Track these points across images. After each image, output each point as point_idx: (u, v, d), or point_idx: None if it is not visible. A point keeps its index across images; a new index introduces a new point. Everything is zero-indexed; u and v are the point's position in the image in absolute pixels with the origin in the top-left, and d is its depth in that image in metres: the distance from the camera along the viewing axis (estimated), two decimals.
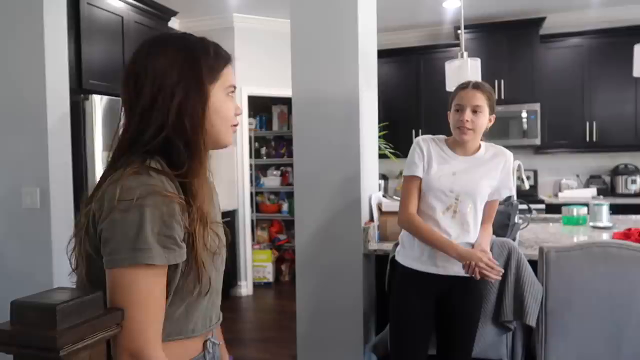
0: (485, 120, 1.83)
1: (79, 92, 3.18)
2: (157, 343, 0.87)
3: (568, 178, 5.04)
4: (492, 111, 1.85)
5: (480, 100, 1.80)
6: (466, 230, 1.83)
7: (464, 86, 1.85)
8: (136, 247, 0.83)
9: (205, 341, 1.03)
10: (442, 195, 1.81)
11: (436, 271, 1.83)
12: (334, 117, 2.43)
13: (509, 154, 1.93)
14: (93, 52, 3.28)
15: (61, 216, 2.98)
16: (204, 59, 0.96)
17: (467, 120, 1.78)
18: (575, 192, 4.68)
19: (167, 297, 0.90)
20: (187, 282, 0.92)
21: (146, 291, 0.85)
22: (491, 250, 1.97)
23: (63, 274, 2.95)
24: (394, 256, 1.97)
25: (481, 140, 1.91)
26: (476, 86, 1.83)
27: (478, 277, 1.72)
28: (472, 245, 1.82)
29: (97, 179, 2.67)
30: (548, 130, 4.84)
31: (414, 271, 1.85)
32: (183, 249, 0.89)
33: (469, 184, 1.82)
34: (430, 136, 1.93)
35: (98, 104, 3.19)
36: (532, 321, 1.90)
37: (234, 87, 1.02)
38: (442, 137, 1.94)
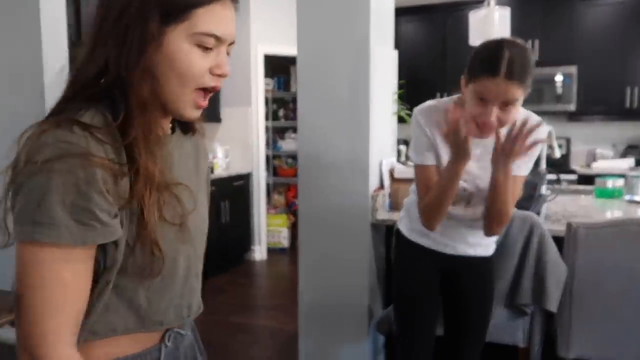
0: (516, 111, 1.35)
1: (79, 45, 3.03)
2: (58, 340, 0.69)
3: (603, 147, 4.71)
4: (528, 90, 1.34)
5: (514, 93, 1.28)
6: (480, 221, 1.52)
7: (493, 72, 1.28)
8: (36, 220, 0.66)
9: (165, 331, 0.86)
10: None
11: (444, 250, 1.60)
12: (342, 74, 2.23)
13: (543, 128, 1.40)
14: (93, 3, 3.12)
15: None
16: None
17: (492, 120, 1.31)
18: (611, 163, 4.38)
19: (108, 282, 0.74)
20: (140, 262, 0.75)
21: (49, 274, 0.68)
22: (511, 224, 1.76)
23: None
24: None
25: None
26: (510, 75, 1.27)
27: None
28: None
29: None
30: (584, 96, 4.50)
31: (419, 245, 1.63)
32: (111, 226, 0.70)
33: (484, 178, 1.43)
34: (432, 104, 1.50)
35: None
36: (553, 306, 1.70)
37: (217, 38, 0.76)
38: (448, 102, 1.48)
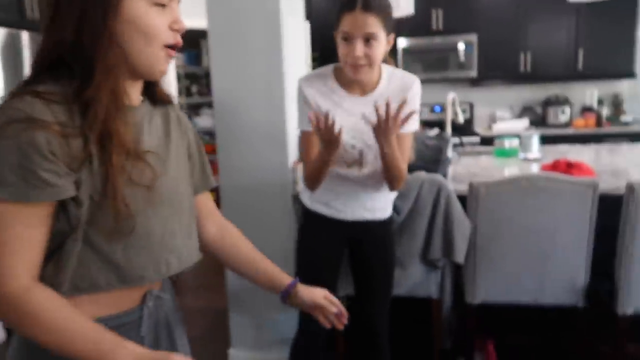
0: (382, 47, 1.46)
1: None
2: (12, 276, 0.76)
3: (502, 110, 5.08)
4: (390, 31, 1.48)
5: (374, 26, 1.41)
6: (377, 181, 1.61)
7: (350, 6, 1.43)
8: None
9: (146, 293, 0.91)
10: (343, 152, 1.54)
11: (345, 217, 1.67)
12: (254, 47, 2.22)
13: (416, 83, 1.58)
14: None
15: None
16: None
17: (358, 56, 1.42)
18: (509, 124, 4.74)
19: (75, 239, 0.80)
20: (104, 220, 0.80)
21: (3, 228, 0.75)
22: (421, 187, 1.89)
23: None
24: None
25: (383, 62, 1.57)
26: (367, 6, 1.40)
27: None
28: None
29: None
30: (484, 62, 4.79)
31: (321, 215, 1.68)
32: (56, 186, 0.75)
33: (371, 135, 1.48)
34: (315, 73, 1.59)
35: None
36: (460, 258, 1.87)
37: None
38: (329, 69, 1.58)
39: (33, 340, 0.77)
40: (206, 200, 1.10)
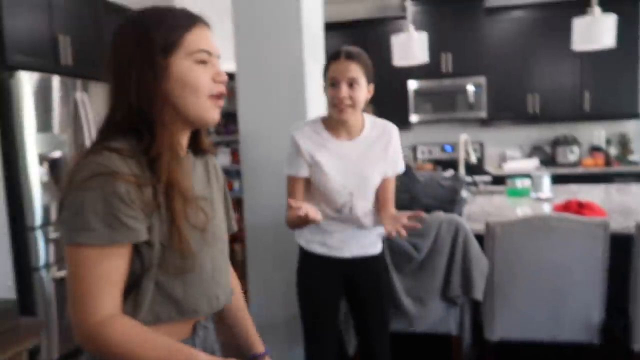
0: (363, 93, 1.65)
1: (3, 68, 2.93)
2: (98, 315, 0.85)
3: (512, 150, 5.20)
4: (369, 80, 1.68)
5: (356, 71, 1.62)
6: (363, 220, 1.75)
7: (335, 57, 1.65)
8: (75, 227, 0.84)
9: (195, 324, 1.01)
10: (335, 194, 1.70)
11: (341, 254, 1.77)
12: (280, 93, 2.37)
13: (395, 129, 1.78)
14: (17, 24, 3.02)
15: None
16: (156, 30, 0.91)
17: (344, 97, 1.61)
18: (519, 163, 4.84)
19: (150, 281, 0.90)
20: (173, 259, 0.91)
21: (87, 269, 0.85)
22: (440, 227, 1.99)
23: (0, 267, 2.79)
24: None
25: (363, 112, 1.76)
26: (349, 56, 1.63)
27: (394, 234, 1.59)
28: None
29: (29, 162, 2.52)
30: (493, 103, 4.94)
31: (318, 255, 1.78)
32: (134, 230, 0.86)
33: (360, 176, 1.68)
34: (306, 124, 1.77)
35: (27, 81, 2.95)
36: (479, 295, 1.94)
37: (207, 52, 0.94)
38: (318, 119, 1.76)
39: None
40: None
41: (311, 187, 1.74)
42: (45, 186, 3.00)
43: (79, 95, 3.34)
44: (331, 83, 1.65)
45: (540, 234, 1.93)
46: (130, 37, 0.92)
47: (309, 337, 1.85)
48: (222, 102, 0.96)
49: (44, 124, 3.05)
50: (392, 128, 1.78)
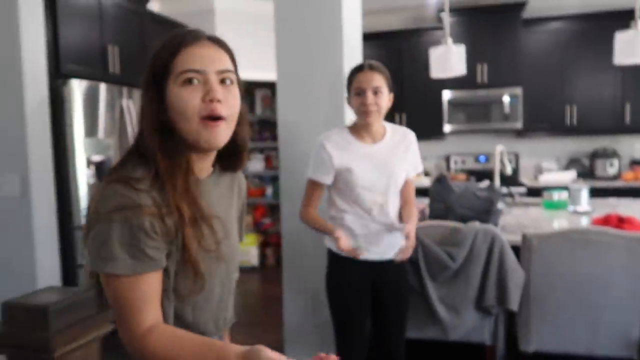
0: (386, 100, 1.83)
1: (57, 76, 3.10)
2: (139, 330, 0.89)
3: (549, 161, 5.13)
4: (390, 90, 1.85)
5: (379, 81, 1.80)
6: (392, 220, 1.87)
7: (360, 69, 1.84)
8: (101, 256, 0.87)
9: None
10: (367, 193, 1.82)
11: (370, 257, 1.85)
12: (319, 102, 2.43)
13: (412, 134, 1.96)
14: (71, 35, 3.19)
15: (43, 204, 2.94)
16: (157, 56, 0.92)
17: (370, 103, 1.78)
18: (555, 175, 4.77)
19: (163, 298, 0.92)
20: (185, 282, 0.93)
21: (119, 295, 0.89)
22: (475, 237, 2.01)
23: (46, 265, 2.94)
24: None
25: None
26: (372, 67, 1.82)
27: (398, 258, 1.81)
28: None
29: (80, 165, 2.62)
30: (529, 114, 4.90)
31: (347, 258, 1.86)
32: (156, 261, 0.89)
33: (388, 176, 1.83)
34: (333, 132, 1.90)
35: (77, 88, 3.12)
36: (514, 306, 1.95)
37: (193, 71, 0.89)
38: (344, 127, 1.92)
39: None
40: None
41: (341, 192, 1.84)
42: (91, 188, 3.15)
43: (125, 102, 3.49)
44: (357, 92, 1.82)
45: (579, 247, 1.92)
46: (147, 64, 0.95)
47: (340, 338, 1.94)
48: (213, 123, 0.90)
49: (91, 129, 3.21)
50: (410, 133, 1.96)
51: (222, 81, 0.92)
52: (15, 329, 0.68)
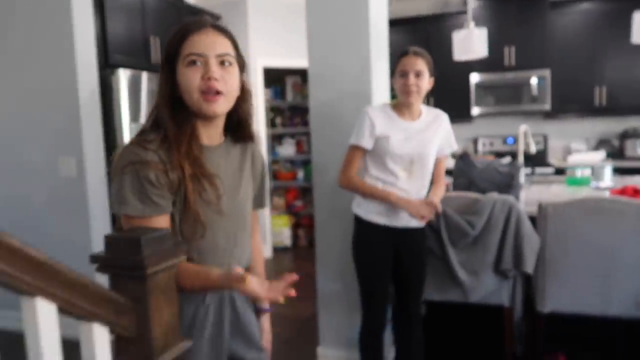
0: (426, 83, 2.02)
1: (106, 66, 3.36)
2: None
3: (577, 142, 5.15)
4: (431, 74, 2.04)
5: (421, 65, 1.99)
6: (422, 186, 2.07)
7: (405, 53, 2.03)
8: (118, 201, 1.07)
9: None
10: (399, 159, 2.02)
11: (396, 224, 2.06)
12: (347, 88, 2.58)
13: (445, 115, 2.16)
14: (117, 28, 3.45)
15: (96, 184, 3.22)
16: (170, 41, 1.12)
17: (412, 84, 1.98)
18: (584, 156, 4.79)
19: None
20: (186, 227, 1.12)
21: None
22: (494, 206, 2.16)
23: (99, 238, 3.22)
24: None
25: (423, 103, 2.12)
26: (416, 53, 2.02)
27: (421, 221, 2.01)
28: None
29: None
30: (558, 96, 4.92)
31: (375, 224, 2.07)
32: (161, 206, 1.08)
33: (420, 146, 2.04)
34: (377, 105, 2.13)
35: (123, 77, 3.38)
36: (529, 268, 2.09)
37: (195, 54, 1.09)
38: (386, 104, 2.13)
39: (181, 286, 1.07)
40: (256, 217, 1.43)
41: (376, 160, 2.05)
42: None
43: None
44: (401, 74, 2.01)
45: (592, 215, 2.04)
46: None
47: (365, 299, 2.15)
48: (213, 97, 1.11)
49: (134, 115, 3.47)
50: (443, 114, 2.16)
51: (222, 63, 1.12)
52: (116, 255, 0.89)
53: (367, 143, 2.04)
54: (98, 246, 3.17)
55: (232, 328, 1.27)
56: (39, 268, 0.73)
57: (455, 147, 2.17)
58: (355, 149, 2.07)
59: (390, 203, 2.00)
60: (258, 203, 1.38)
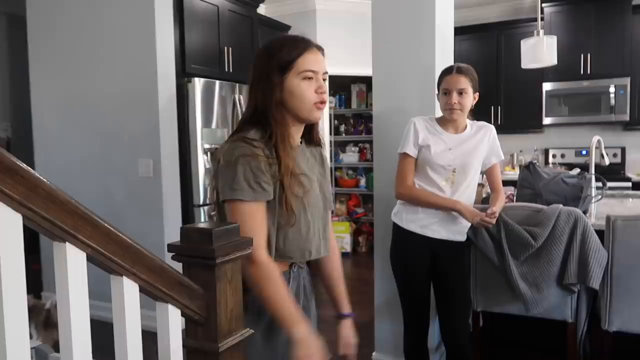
0: (470, 99, 2.07)
1: (183, 75, 3.60)
2: (261, 248, 1.22)
3: None
4: (475, 90, 2.09)
5: (464, 83, 2.04)
6: (467, 197, 2.11)
7: (448, 71, 2.09)
8: (232, 188, 1.21)
9: (291, 264, 1.35)
10: (442, 170, 2.08)
11: (432, 234, 2.11)
12: (411, 96, 2.60)
13: (491, 126, 2.19)
14: (194, 39, 3.68)
15: (170, 184, 3.46)
16: (276, 55, 1.26)
17: (454, 103, 2.03)
18: None
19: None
20: (281, 216, 1.27)
21: (245, 216, 1.20)
22: (558, 217, 2.10)
23: (172, 234, 3.44)
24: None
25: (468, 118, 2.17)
26: (459, 71, 2.07)
27: (480, 226, 2.07)
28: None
29: (199, 152, 3.32)
30: (638, 106, 4.66)
31: (414, 233, 2.12)
32: (267, 192, 1.22)
33: (462, 158, 2.09)
34: (423, 117, 2.20)
35: (198, 85, 3.60)
36: (595, 284, 2.01)
37: (311, 71, 1.26)
38: (433, 117, 2.21)
39: (259, 293, 1.22)
40: (328, 218, 1.52)
41: (419, 170, 2.12)
42: (207, 172, 3.63)
43: (237, 96, 3.94)
44: (444, 92, 2.09)
45: None
46: (261, 59, 1.29)
47: (406, 311, 2.23)
48: (323, 106, 1.30)
49: (206, 121, 3.68)
50: (489, 126, 2.20)
51: (324, 79, 1.31)
52: (190, 245, 0.99)
53: (412, 150, 2.11)
54: (170, 238, 3.35)
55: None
56: (126, 251, 0.85)
57: (502, 157, 2.19)
58: (405, 157, 2.14)
59: (456, 211, 2.06)
60: (327, 205, 1.50)
